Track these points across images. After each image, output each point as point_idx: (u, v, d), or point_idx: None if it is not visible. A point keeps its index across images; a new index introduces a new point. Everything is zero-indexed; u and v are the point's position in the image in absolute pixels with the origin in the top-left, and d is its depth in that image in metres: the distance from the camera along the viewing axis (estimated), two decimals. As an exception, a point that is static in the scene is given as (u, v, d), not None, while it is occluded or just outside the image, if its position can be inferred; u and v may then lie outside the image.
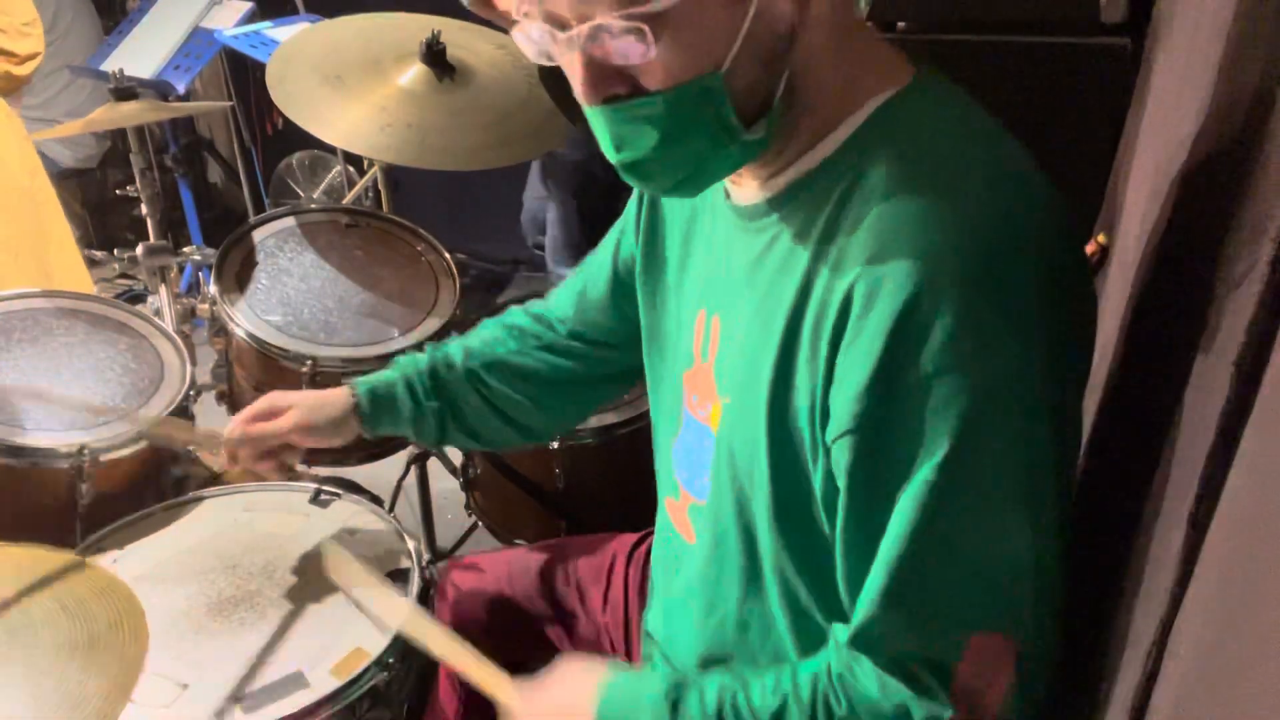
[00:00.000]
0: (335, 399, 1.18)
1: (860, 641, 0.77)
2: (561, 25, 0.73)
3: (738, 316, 0.86)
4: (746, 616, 0.91)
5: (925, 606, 0.75)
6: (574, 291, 1.19)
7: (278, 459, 1.21)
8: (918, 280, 0.69)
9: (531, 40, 0.76)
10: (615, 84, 0.75)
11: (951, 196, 0.71)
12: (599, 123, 0.78)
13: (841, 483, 0.75)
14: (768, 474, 0.82)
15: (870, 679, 0.77)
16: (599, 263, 1.15)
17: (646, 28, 0.69)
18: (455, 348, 1.21)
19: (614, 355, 1.18)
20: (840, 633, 0.79)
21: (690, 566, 0.97)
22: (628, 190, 0.95)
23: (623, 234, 1.10)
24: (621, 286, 1.12)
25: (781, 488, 0.82)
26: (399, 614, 1.12)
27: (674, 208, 0.99)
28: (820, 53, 0.76)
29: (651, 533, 1.22)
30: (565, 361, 1.19)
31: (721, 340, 0.88)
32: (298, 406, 1.18)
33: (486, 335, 1.22)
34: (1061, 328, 0.72)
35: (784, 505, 0.82)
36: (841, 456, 0.74)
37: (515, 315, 1.24)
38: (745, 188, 0.85)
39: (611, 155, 0.80)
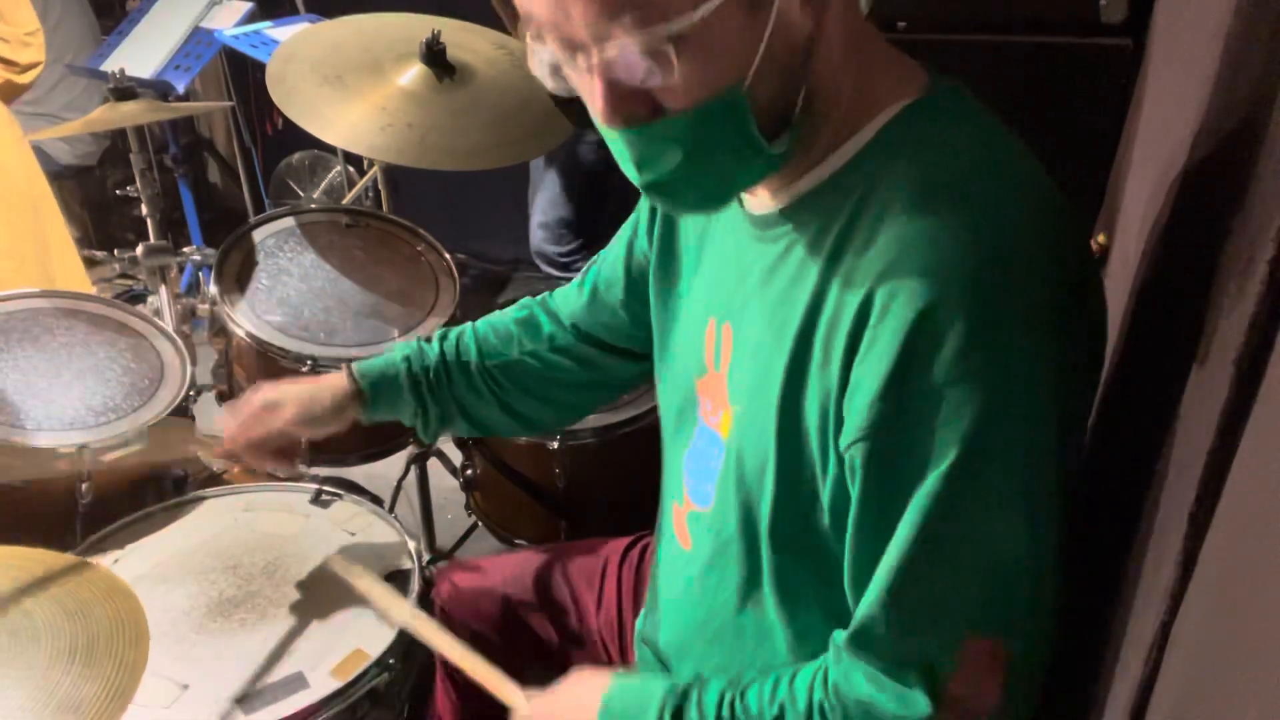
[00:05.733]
0: (333, 386, 1.17)
1: (858, 642, 0.78)
2: (577, 48, 0.69)
3: (750, 324, 0.85)
4: (743, 625, 0.91)
5: (924, 610, 0.75)
6: (586, 292, 1.17)
7: (281, 453, 1.19)
8: (932, 292, 0.69)
9: (545, 64, 0.74)
10: (636, 104, 0.72)
11: (966, 209, 0.71)
12: (619, 145, 0.75)
13: (854, 490, 0.75)
14: (774, 481, 0.82)
15: (864, 683, 0.78)
16: (611, 264, 1.13)
17: (669, 47, 0.67)
18: (468, 341, 1.19)
19: (626, 362, 1.17)
20: (839, 636, 0.80)
21: (687, 573, 0.97)
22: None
23: (635, 235, 1.08)
24: (635, 289, 1.10)
25: (786, 496, 0.82)
26: (410, 619, 1.13)
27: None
28: (835, 62, 0.75)
29: (644, 536, 1.21)
30: (578, 366, 1.18)
31: (734, 349, 0.88)
32: (293, 401, 1.16)
33: (501, 330, 1.20)
34: (1073, 341, 0.73)
35: (787, 514, 0.83)
36: (854, 463, 0.74)
37: (532, 310, 1.21)
38: (759, 196, 0.85)
39: (634, 176, 0.78)
